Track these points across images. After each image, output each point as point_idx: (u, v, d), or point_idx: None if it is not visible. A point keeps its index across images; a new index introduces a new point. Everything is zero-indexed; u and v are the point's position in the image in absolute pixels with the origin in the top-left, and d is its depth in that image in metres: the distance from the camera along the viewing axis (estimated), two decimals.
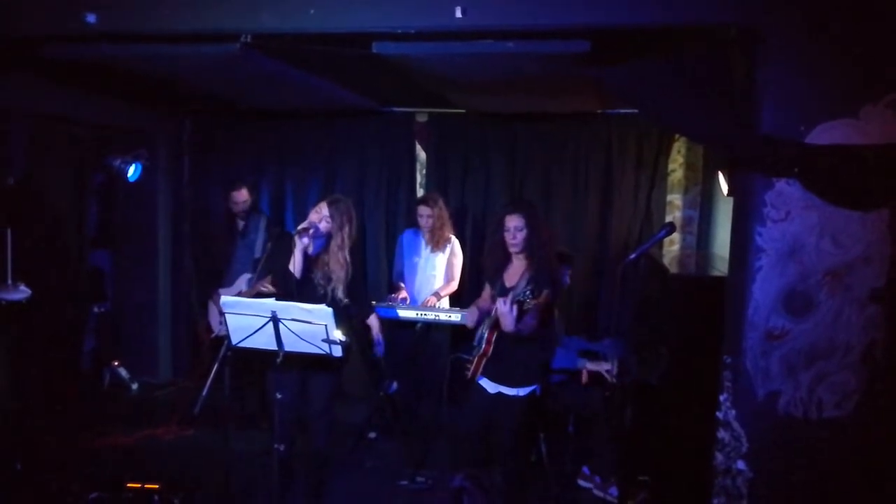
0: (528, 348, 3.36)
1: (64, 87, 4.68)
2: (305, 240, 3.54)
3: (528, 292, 3.11)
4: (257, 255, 5.06)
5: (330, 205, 3.63)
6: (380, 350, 3.91)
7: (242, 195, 5.12)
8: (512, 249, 3.44)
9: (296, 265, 3.60)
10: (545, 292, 3.19)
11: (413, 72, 3.91)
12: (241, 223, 5.21)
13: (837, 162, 2.85)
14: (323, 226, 3.59)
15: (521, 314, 3.18)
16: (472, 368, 3.47)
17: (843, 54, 2.86)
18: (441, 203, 4.93)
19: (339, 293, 3.64)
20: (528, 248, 3.39)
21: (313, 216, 3.62)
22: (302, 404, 3.71)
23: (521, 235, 3.38)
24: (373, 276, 5.68)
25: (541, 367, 3.51)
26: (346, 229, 3.61)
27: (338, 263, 3.61)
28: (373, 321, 3.91)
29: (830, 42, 2.87)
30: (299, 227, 3.59)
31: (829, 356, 2.96)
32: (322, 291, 3.62)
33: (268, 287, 4.59)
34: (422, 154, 5.78)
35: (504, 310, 3.15)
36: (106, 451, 4.54)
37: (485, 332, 3.42)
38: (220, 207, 5.95)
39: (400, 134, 5.74)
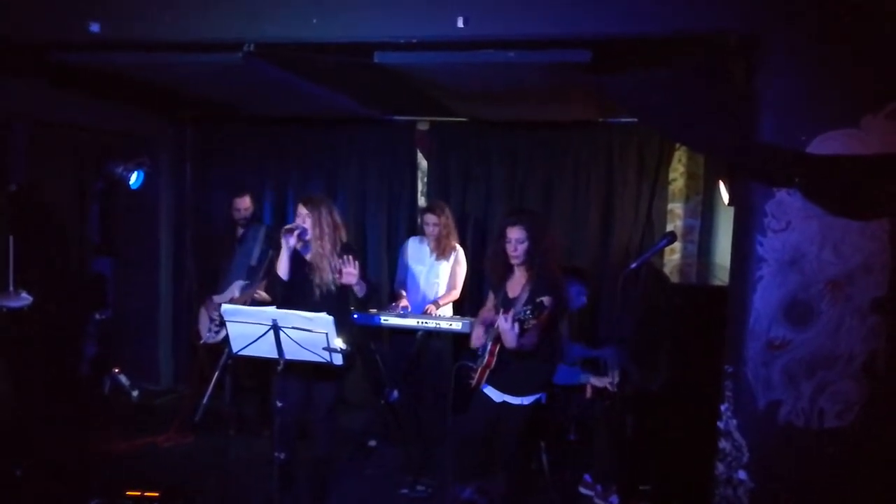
0: (533, 359, 3.36)
1: (66, 93, 4.70)
2: (292, 240, 3.56)
3: (528, 312, 3.08)
4: (253, 263, 5.06)
5: (304, 203, 3.68)
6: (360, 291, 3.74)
7: (245, 202, 5.12)
8: (513, 261, 3.42)
9: (282, 266, 3.61)
10: (545, 312, 3.16)
11: (415, 81, 3.93)
12: (240, 230, 5.21)
13: (838, 172, 2.86)
14: (308, 224, 3.62)
15: (523, 332, 3.16)
16: (475, 378, 3.47)
17: (844, 64, 2.87)
18: (447, 211, 4.92)
19: (334, 287, 3.65)
20: (530, 260, 3.37)
21: (297, 220, 3.66)
22: (304, 412, 3.71)
23: (522, 248, 3.36)
24: (373, 282, 5.67)
25: (545, 376, 3.51)
26: (326, 219, 3.63)
27: (324, 257, 3.61)
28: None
29: (831, 51, 2.88)
30: (285, 227, 3.62)
31: (831, 366, 2.96)
32: (319, 292, 3.63)
33: (261, 294, 4.59)
34: (423, 162, 5.79)
35: (505, 327, 3.14)
36: (106, 458, 4.53)
37: (488, 343, 3.42)
38: (223, 214, 5.99)
39: (401, 142, 5.75)
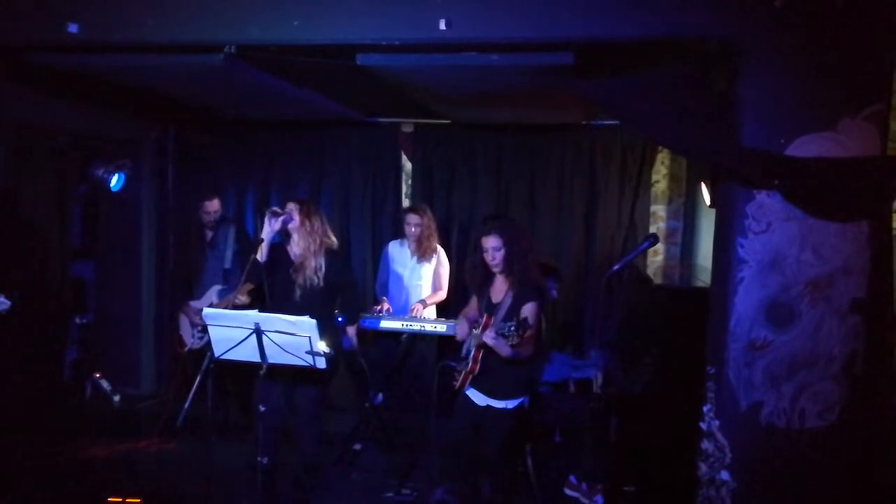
0: (516, 363, 3.37)
1: (47, 95, 4.64)
2: (276, 224, 3.58)
3: (511, 328, 3.11)
4: (227, 266, 5.02)
5: (294, 201, 3.72)
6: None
7: (214, 205, 5.07)
8: (494, 269, 3.46)
9: (262, 250, 3.61)
10: (529, 331, 3.20)
11: (398, 83, 3.92)
12: (209, 234, 5.15)
13: (817, 174, 2.88)
14: (296, 217, 3.63)
15: (520, 342, 3.18)
16: (459, 382, 3.47)
17: (822, 68, 2.90)
18: (429, 213, 4.93)
19: (321, 282, 3.65)
20: (509, 266, 3.40)
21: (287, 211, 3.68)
22: (288, 416, 3.69)
23: (499, 255, 3.39)
24: (358, 285, 5.66)
25: (529, 380, 3.52)
26: (315, 218, 3.66)
27: (308, 257, 3.62)
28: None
29: (809, 56, 2.91)
30: (272, 209, 3.65)
31: (811, 367, 2.98)
32: (300, 292, 3.64)
33: (241, 299, 4.56)
34: (407, 164, 5.79)
35: (493, 343, 3.20)
36: (87, 465, 4.47)
37: (471, 347, 3.42)
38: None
39: (385, 144, 5.74)
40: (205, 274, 5.10)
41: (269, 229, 3.59)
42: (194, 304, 5.00)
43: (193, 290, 5.12)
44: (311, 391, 3.64)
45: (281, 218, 3.59)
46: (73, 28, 3.26)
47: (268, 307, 3.53)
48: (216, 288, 4.98)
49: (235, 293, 4.49)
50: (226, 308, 4.55)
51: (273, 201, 5.86)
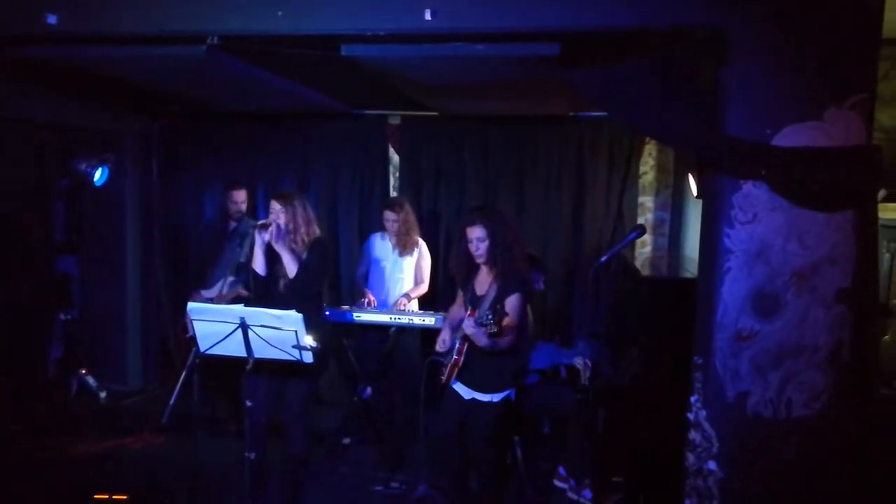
0: (501, 356, 3.35)
1: (27, 88, 4.57)
2: (266, 235, 3.55)
3: (489, 316, 3.10)
4: (242, 259, 5.01)
5: (276, 199, 3.67)
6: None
7: (242, 196, 5.10)
8: (478, 260, 3.43)
9: (258, 262, 3.61)
10: (507, 319, 3.17)
11: (383, 74, 3.89)
12: (232, 224, 5.16)
13: (803, 164, 2.88)
14: (283, 220, 3.60)
15: (499, 331, 3.16)
16: (445, 375, 3.46)
17: (808, 57, 2.89)
18: (407, 207, 4.92)
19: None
20: (493, 258, 3.37)
21: (271, 216, 3.65)
22: (276, 411, 3.67)
23: (483, 246, 3.36)
24: (346, 279, 5.66)
25: (514, 372, 3.51)
26: (301, 213, 3.64)
27: (294, 251, 3.61)
28: None
29: (795, 45, 2.90)
30: (260, 223, 3.62)
31: (798, 356, 2.99)
32: (283, 282, 3.63)
33: (242, 292, 4.55)
34: (395, 157, 5.76)
35: (471, 332, 3.19)
36: (73, 461, 4.45)
37: (457, 341, 3.41)
38: (191, 210, 5.92)
39: (372, 137, 5.71)
40: (220, 264, 5.10)
41: (261, 242, 3.57)
42: (204, 292, 5.01)
43: (207, 278, 5.11)
44: (300, 386, 3.63)
45: (271, 229, 3.57)
46: (51, 19, 3.21)
47: (255, 302, 3.52)
48: (228, 280, 4.98)
49: (240, 286, 4.48)
50: (230, 300, 4.55)
51: (259, 194, 5.83)
